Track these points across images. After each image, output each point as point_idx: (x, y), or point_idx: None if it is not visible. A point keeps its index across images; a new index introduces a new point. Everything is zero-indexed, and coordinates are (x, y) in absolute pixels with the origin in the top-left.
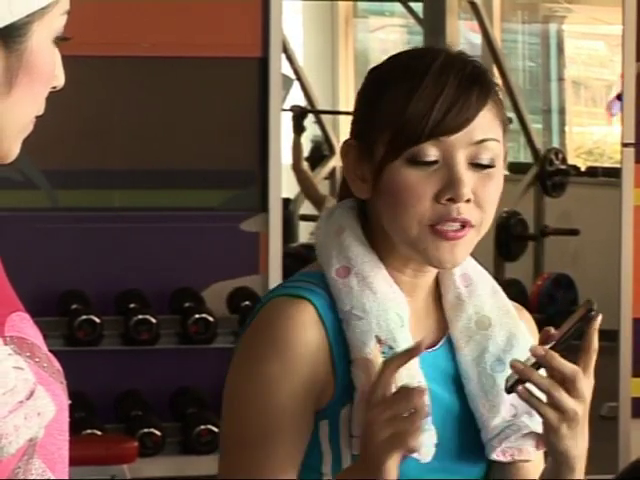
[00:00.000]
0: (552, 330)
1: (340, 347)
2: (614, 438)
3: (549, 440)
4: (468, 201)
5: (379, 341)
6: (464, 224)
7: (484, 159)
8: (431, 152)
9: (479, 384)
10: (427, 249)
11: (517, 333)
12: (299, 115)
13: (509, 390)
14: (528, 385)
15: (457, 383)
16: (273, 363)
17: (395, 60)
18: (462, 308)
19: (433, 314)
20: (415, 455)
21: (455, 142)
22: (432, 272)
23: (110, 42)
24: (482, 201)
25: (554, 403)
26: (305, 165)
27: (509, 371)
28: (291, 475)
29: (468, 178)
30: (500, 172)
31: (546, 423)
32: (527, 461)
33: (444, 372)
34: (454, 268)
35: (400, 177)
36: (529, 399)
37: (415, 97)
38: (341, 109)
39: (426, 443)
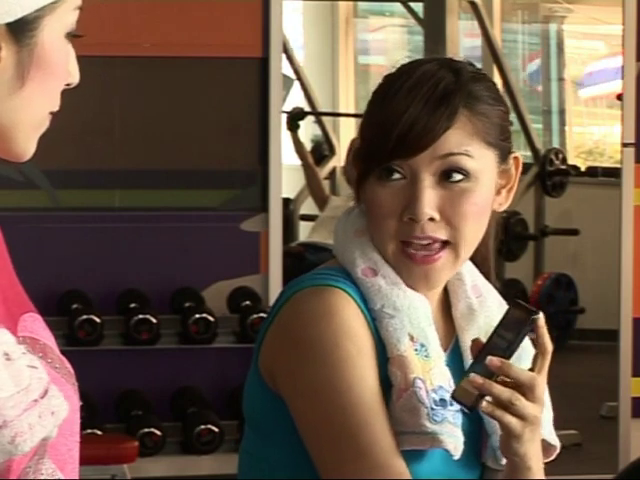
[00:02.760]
0: (481, 339)
1: (379, 344)
2: (614, 438)
3: (511, 445)
4: (432, 220)
5: (412, 338)
6: (434, 242)
7: (452, 173)
8: (399, 168)
9: None
10: (401, 272)
11: (524, 345)
12: (294, 115)
13: (472, 407)
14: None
15: None
16: (347, 345)
17: (386, 76)
18: (473, 318)
19: (441, 323)
20: (450, 449)
21: (419, 160)
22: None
23: (110, 42)
24: (451, 219)
25: (515, 411)
26: (312, 161)
27: None
28: (400, 459)
29: (432, 196)
30: (480, 188)
31: (508, 430)
32: None
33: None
34: (435, 289)
35: (372, 194)
36: (493, 412)
37: (381, 115)
38: (341, 109)
39: (460, 438)
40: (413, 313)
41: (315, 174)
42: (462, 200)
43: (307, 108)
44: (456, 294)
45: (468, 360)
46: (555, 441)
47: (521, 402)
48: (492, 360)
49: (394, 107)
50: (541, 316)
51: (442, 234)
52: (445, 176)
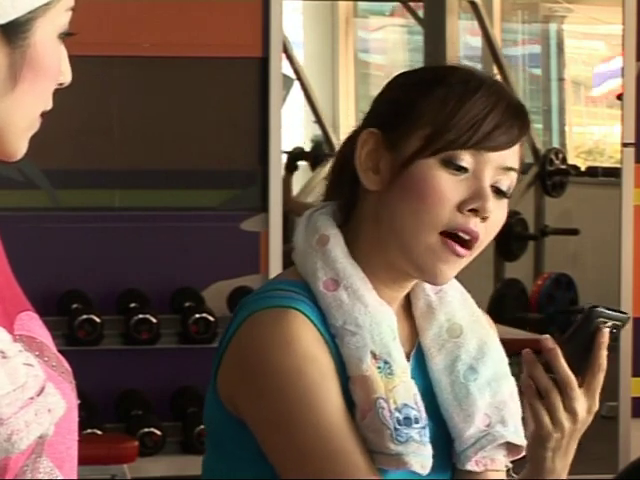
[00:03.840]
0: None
1: (338, 361)
2: (614, 438)
3: (535, 446)
4: (484, 219)
5: (374, 356)
6: (472, 240)
7: (504, 186)
8: (467, 160)
9: (452, 393)
10: (434, 260)
11: (488, 341)
12: (294, 155)
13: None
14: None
15: (429, 393)
16: (310, 371)
17: (441, 67)
18: (433, 316)
19: (403, 324)
20: (418, 469)
21: (490, 159)
22: (410, 285)
23: (110, 42)
24: (491, 225)
25: (548, 408)
26: (293, 195)
27: (483, 380)
28: (377, 474)
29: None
30: (507, 203)
31: (537, 428)
32: (497, 471)
33: (417, 383)
34: (446, 282)
35: (430, 175)
36: (530, 397)
37: (469, 103)
38: (341, 108)
39: (427, 455)
40: (375, 329)
41: (299, 203)
42: (501, 213)
43: (306, 108)
44: (415, 293)
45: (430, 361)
46: (520, 441)
47: (557, 402)
48: (547, 340)
49: (479, 103)
50: (606, 331)
51: (481, 234)
52: (496, 187)
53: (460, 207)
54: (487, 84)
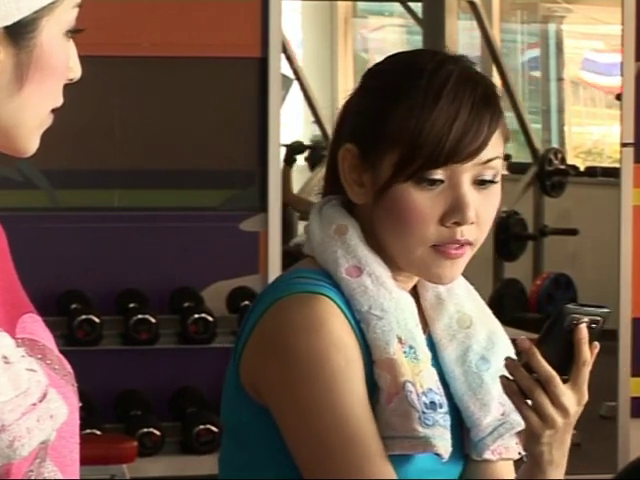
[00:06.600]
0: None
1: (363, 346)
2: (613, 438)
3: (528, 442)
4: (471, 223)
5: (400, 341)
6: (463, 245)
7: (487, 176)
8: (440, 172)
9: (466, 383)
10: (429, 267)
11: (497, 331)
12: (293, 148)
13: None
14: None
15: (441, 383)
16: (337, 358)
17: (407, 67)
18: (443, 307)
19: None
20: (442, 452)
21: (464, 167)
22: (417, 277)
23: (110, 42)
24: (482, 220)
25: (535, 407)
26: (293, 189)
27: (494, 369)
28: (388, 465)
29: (472, 199)
30: (499, 186)
31: (528, 426)
32: (511, 459)
33: None
34: (451, 283)
35: (406, 198)
36: (512, 397)
37: (432, 116)
38: (340, 108)
39: (449, 440)
40: (400, 314)
41: (299, 199)
42: (492, 203)
43: (306, 108)
44: (423, 284)
45: (442, 351)
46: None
47: (541, 399)
48: (523, 341)
49: (441, 114)
50: (582, 326)
51: (472, 236)
52: (480, 180)
53: (442, 222)
54: (451, 81)
